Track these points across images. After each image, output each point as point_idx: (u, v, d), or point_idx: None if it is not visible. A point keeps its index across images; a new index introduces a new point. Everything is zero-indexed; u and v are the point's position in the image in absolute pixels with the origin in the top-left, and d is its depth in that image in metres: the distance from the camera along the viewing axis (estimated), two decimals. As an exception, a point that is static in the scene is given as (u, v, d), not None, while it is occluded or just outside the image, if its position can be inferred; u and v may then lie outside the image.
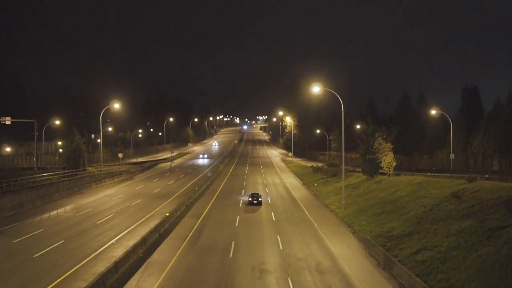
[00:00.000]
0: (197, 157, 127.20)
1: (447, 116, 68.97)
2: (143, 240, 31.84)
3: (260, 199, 51.50)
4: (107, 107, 74.74)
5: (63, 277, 25.05)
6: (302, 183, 75.56)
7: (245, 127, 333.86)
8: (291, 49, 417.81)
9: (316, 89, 49.19)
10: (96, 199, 54.57)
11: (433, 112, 69.94)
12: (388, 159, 56.48)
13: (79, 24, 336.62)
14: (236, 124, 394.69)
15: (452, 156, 63.97)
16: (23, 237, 34.04)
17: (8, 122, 67.83)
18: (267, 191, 64.15)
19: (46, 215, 43.55)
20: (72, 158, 68.14)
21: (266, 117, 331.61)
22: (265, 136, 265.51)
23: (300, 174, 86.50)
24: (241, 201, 54.17)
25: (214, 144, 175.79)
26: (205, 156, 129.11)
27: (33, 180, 53.68)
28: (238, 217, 43.53)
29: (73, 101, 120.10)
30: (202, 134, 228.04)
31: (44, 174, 58.64)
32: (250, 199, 51.51)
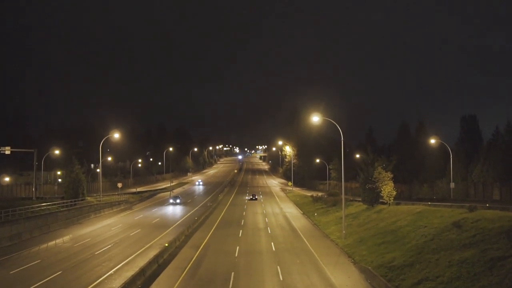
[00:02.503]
0: (193, 185, 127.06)
1: (446, 145, 69.14)
2: (142, 271, 31.45)
3: (256, 196, 75.56)
4: (106, 136, 74.97)
5: (60, 309, 24.64)
6: (302, 212, 75.13)
7: (240, 157, 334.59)
8: (291, 78, 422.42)
9: (315, 118, 49.36)
10: (94, 229, 54.14)
11: (433, 141, 70.14)
12: (388, 188, 56.31)
13: (79, 54, 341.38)
14: (235, 154, 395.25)
15: (452, 185, 63.82)
16: (20, 268, 33.61)
17: (7, 152, 67.78)
18: (266, 220, 63.73)
19: (44, 245, 43.13)
20: (71, 188, 67.96)
21: (266, 146, 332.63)
22: (264, 166, 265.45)
23: (300, 204, 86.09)
24: (241, 231, 53.76)
25: (198, 183, 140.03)
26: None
27: (32, 210, 53.39)
28: (237, 247, 43.11)
29: (73, 131, 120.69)
30: (201, 164, 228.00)
31: (43, 204, 58.37)
32: (250, 197, 75.31)
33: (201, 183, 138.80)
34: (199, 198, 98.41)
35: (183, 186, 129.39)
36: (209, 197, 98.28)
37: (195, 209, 76.59)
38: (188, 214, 68.85)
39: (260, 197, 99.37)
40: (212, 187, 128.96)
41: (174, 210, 75.08)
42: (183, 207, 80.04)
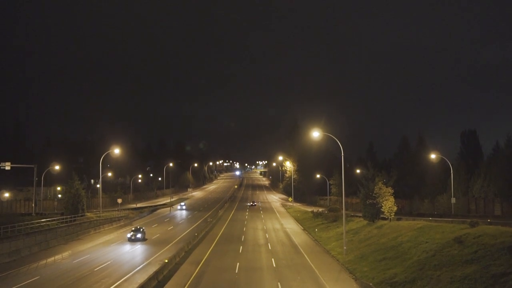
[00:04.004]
0: (196, 202, 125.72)
1: (447, 160, 69.08)
2: (141, 287, 31.17)
3: (255, 203, 64.45)
4: (107, 152, 74.93)
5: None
6: (302, 228, 74.76)
7: (237, 172, 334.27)
8: (291, 93, 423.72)
9: (315, 134, 49.38)
10: (94, 245, 53.81)
11: (433, 156, 70.09)
12: (389, 204, 56.10)
13: (79, 70, 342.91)
14: (236, 169, 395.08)
15: (453, 200, 63.60)
16: (19, 285, 33.33)
17: (8, 168, 67.75)
18: (267, 236, 63.38)
19: (43, 262, 42.82)
20: (71, 204, 67.71)
21: (266, 162, 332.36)
22: (265, 181, 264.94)
23: (300, 219, 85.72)
24: (241, 247, 53.44)
25: (180, 207, 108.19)
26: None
27: (31, 226, 53.12)
28: (238, 263, 42.80)
29: (73, 146, 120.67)
30: (202, 179, 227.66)
31: (42, 220, 58.12)
32: (250, 203, 76.49)
33: (184, 207, 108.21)
34: (199, 214, 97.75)
35: (154, 212, 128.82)
36: (210, 213, 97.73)
37: (194, 226, 76.17)
38: (188, 231, 68.48)
39: (259, 204, 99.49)
40: (212, 202, 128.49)
41: (174, 227, 74.69)
42: (183, 221, 79.67)
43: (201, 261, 44.20)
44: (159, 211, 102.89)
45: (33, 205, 70.72)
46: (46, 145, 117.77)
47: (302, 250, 52.21)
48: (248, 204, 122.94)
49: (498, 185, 61.91)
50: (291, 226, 77.48)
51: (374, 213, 58.78)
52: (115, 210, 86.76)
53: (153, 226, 74.43)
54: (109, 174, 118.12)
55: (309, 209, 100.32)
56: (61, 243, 53.87)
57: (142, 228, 59.98)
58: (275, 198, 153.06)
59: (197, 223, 78.07)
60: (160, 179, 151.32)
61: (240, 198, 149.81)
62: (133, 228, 60.72)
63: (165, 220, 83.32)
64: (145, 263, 42.44)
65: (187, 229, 69.77)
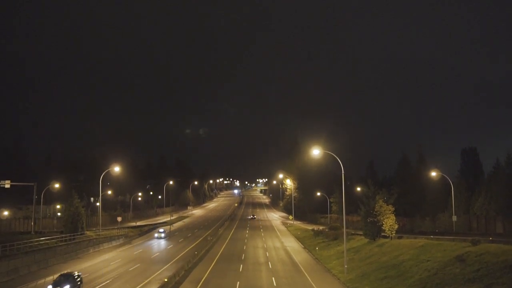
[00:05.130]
0: (193, 222, 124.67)
1: (447, 178, 68.96)
2: (140, 307, 30.84)
3: (255, 216, 66.28)
4: (107, 170, 74.87)
5: None
6: (303, 246, 74.32)
7: (235, 191, 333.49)
8: (291, 111, 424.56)
9: (315, 152, 49.39)
10: (93, 264, 53.44)
11: (433, 174, 69.97)
12: (389, 222, 55.87)
13: (79, 87, 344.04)
14: (236, 187, 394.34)
15: (454, 218, 63.32)
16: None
17: (7, 186, 67.55)
18: (267, 255, 62.96)
19: (42, 281, 42.39)
20: (70, 222, 67.42)
21: (266, 179, 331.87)
22: (265, 199, 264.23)
23: (301, 238, 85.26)
24: (241, 265, 53.05)
25: (158, 235, 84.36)
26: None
27: (30, 244, 52.81)
28: (238, 282, 42.46)
29: (73, 164, 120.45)
30: (202, 197, 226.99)
31: (41, 239, 57.82)
32: (250, 216, 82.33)
33: (163, 235, 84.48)
34: (199, 232, 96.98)
35: (183, 220, 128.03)
36: (210, 231, 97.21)
37: (194, 244, 75.74)
38: (188, 249, 68.04)
39: (259, 223, 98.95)
40: (213, 221, 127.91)
41: (174, 245, 74.24)
42: (183, 240, 79.20)
43: (201, 279, 43.84)
44: (159, 229, 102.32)
45: (32, 223, 70.38)
46: (46, 163, 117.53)
47: (302, 269, 51.83)
48: (249, 217, 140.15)
49: (499, 203, 61.69)
50: (292, 245, 77.03)
51: (375, 231, 58.50)
52: (115, 229, 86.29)
53: (153, 245, 74.00)
54: (109, 192, 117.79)
55: (310, 227, 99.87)
56: (60, 262, 53.48)
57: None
58: (275, 216, 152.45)
59: (197, 242, 77.61)
60: (160, 197, 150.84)
61: (240, 216, 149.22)
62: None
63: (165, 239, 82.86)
64: (145, 282, 42.10)
65: (187, 248, 69.31)
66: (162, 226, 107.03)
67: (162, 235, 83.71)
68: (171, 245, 73.07)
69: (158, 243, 76.20)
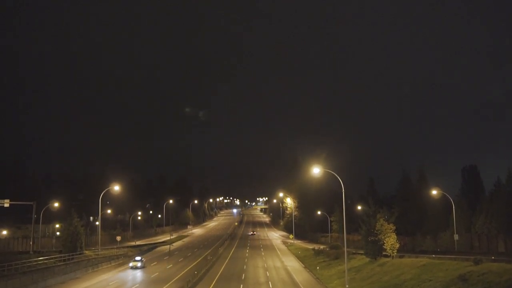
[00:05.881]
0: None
1: (448, 196, 68.74)
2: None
3: (255, 232, 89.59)
4: (106, 189, 74.64)
5: None
6: (303, 266, 73.71)
7: (234, 210, 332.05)
8: (290, 129, 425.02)
9: (316, 170, 49.22)
10: (92, 284, 52.97)
11: (434, 192, 69.77)
12: (391, 241, 55.52)
13: (79, 106, 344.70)
14: (234, 206, 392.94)
15: (456, 237, 62.94)
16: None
17: (6, 205, 67.32)
18: (268, 275, 62.39)
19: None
20: (69, 241, 67.02)
21: (266, 198, 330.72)
22: (265, 218, 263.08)
23: (301, 257, 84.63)
24: (242, 286, 52.53)
25: (133, 264, 68.89)
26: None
27: (28, 264, 52.37)
28: (238, 302, 41.99)
29: (73, 183, 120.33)
30: (202, 216, 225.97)
31: (40, 258, 57.38)
32: (251, 233, 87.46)
33: (139, 264, 69.14)
34: (199, 252, 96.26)
35: (183, 239, 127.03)
36: (210, 250, 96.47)
37: (194, 264, 75.14)
38: (188, 269, 67.46)
39: (259, 242, 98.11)
40: (212, 240, 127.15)
41: (174, 265, 73.68)
42: (183, 259, 78.59)
43: (201, 300, 43.35)
44: (158, 249, 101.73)
45: (31, 243, 69.95)
46: (45, 182, 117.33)
47: (303, 289, 51.29)
48: (249, 233, 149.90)
49: (500, 221, 61.41)
50: (292, 264, 76.41)
51: (376, 250, 58.08)
52: (114, 248, 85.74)
53: (152, 264, 73.41)
54: (109, 211, 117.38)
55: (310, 246, 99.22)
56: (58, 282, 52.97)
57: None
58: (275, 236, 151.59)
59: (197, 261, 77.00)
60: (160, 216, 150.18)
61: (240, 235, 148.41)
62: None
63: (165, 258, 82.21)
64: (143, 303, 41.62)
65: (186, 267, 68.73)
66: (162, 245, 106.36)
67: (138, 264, 68.17)
68: (171, 265, 72.47)
69: (158, 262, 75.53)
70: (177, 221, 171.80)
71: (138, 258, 71.22)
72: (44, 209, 76.77)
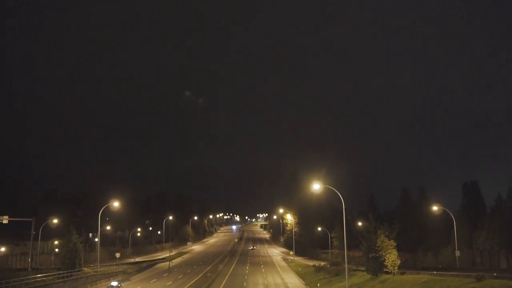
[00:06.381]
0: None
1: (449, 212, 68.47)
2: None
3: (255, 247, 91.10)
4: (106, 205, 74.37)
5: None
6: (304, 283, 73.11)
7: (233, 227, 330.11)
8: (290, 145, 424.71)
9: (316, 186, 49.09)
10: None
11: (435, 208, 69.55)
12: (392, 257, 55.15)
13: (78, 122, 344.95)
14: (236, 222, 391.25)
15: (457, 253, 62.57)
16: None
17: (5, 221, 67.04)
18: (268, 292, 61.82)
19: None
20: (68, 258, 66.57)
21: (267, 214, 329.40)
22: (265, 234, 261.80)
23: (302, 274, 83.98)
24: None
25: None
26: None
27: (26, 281, 51.92)
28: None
29: (72, 199, 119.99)
30: (201, 233, 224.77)
31: (38, 275, 56.92)
32: (251, 247, 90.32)
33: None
34: (199, 268, 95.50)
35: (183, 256, 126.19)
36: (210, 267, 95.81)
37: (193, 281, 74.58)
38: (187, 286, 66.93)
39: (259, 253, 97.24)
40: (212, 257, 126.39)
41: (173, 282, 73.10)
42: (183, 276, 77.98)
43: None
44: (158, 265, 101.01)
45: (29, 259, 69.48)
46: (45, 198, 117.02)
47: (304, 306, 50.80)
48: (250, 248, 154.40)
49: (502, 237, 61.10)
50: (293, 281, 75.79)
51: (377, 267, 57.64)
52: (113, 265, 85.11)
53: (151, 282, 72.81)
54: (108, 227, 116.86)
55: (311, 263, 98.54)
56: (56, 300, 52.51)
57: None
58: (276, 252, 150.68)
59: (196, 278, 76.39)
60: (159, 232, 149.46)
61: (240, 251, 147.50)
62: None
63: (164, 275, 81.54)
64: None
65: (186, 284, 68.16)
66: (161, 262, 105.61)
67: None
68: (170, 282, 71.86)
69: (157, 280, 74.93)
70: (177, 238, 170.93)
71: (114, 283, 62.62)
72: (43, 225, 76.44)
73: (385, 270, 57.28)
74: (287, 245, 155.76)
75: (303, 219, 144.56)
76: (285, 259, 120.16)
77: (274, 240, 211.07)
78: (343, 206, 49.06)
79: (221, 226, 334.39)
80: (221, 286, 66.90)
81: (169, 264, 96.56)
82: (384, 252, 55.87)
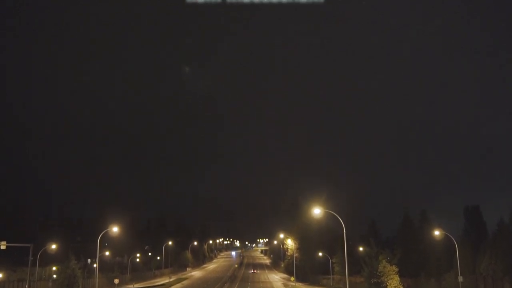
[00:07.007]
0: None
1: (451, 237, 67.91)
2: None
3: (256, 271, 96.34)
4: (105, 230, 73.76)
5: None
6: (305, 309, 72.07)
7: (233, 253, 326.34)
8: (290, 169, 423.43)
9: (317, 211, 48.84)
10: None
11: (437, 233, 68.99)
12: (394, 283, 54.55)
13: (77, 147, 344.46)
14: (236, 248, 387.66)
15: (460, 279, 61.79)
16: None
17: (3, 247, 66.30)
18: (268, 319, 60.82)
19: None
20: (66, 285, 65.86)
21: (267, 239, 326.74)
22: (266, 260, 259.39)
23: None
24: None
25: None
26: None
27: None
28: None
29: (71, 225, 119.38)
30: (201, 258, 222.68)
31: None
32: (252, 271, 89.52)
33: None
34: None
35: (182, 282, 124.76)
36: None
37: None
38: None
39: (259, 279, 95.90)
40: (212, 283, 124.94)
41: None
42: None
43: None
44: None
45: (26, 286, 68.54)
46: (43, 223, 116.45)
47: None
48: (250, 272, 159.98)
49: (505, 262, 60.42)
50: (294, 307, 74.69)
51: (379, 293, 56.91)
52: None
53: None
54: (107, 253, 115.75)
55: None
56: (53, 327, 51.63)
57: None
58: (276, 278, 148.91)
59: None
60: (158, 258, 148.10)
61: (241, 277, 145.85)
62: None
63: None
64: None
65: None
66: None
67: None
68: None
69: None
70: (176, 263, 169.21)
71: None
72: (41, 251, 75.69)
73: (387, 296, 56.54)
74: (288, 270, 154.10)
75: (304, 244, 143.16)
76: (285, 285, 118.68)
77: (274, 265, 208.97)
78: (344, 232, 48.72)
79: (220, 251, 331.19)
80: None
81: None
82: (386, 277, 55.28)
